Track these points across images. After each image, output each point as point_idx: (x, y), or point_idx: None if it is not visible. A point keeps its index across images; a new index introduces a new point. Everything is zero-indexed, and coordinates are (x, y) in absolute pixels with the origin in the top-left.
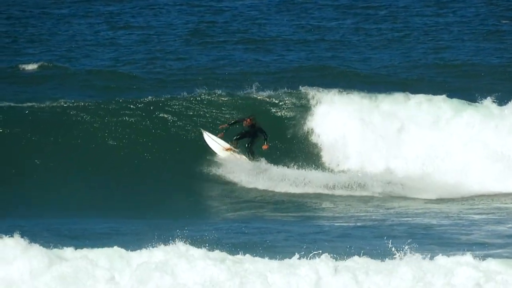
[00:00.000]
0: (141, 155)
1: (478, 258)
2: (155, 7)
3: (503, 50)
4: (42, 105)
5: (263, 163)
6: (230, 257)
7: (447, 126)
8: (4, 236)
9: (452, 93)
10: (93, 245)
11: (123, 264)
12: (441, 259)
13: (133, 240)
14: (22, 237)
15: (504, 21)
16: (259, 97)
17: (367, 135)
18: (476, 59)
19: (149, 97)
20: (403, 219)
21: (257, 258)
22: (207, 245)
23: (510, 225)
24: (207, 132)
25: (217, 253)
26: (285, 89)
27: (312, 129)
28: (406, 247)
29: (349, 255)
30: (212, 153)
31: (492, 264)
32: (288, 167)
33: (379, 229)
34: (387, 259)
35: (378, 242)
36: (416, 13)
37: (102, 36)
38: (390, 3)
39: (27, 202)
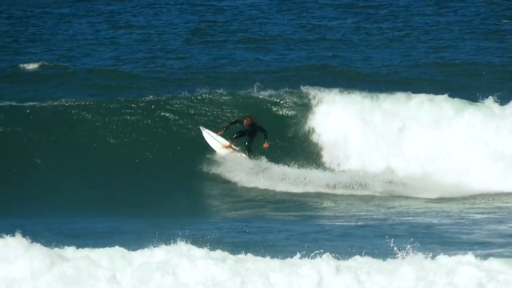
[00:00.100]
0: (142, 154)
1: (479, 257)
2: (156, 6)
3: (504, 49)
4: (43, 105)
5: (264, 162)
6: (231, 256)
7: (448, 126)
8: (5, 235)
9: (453, 92)
10: (94, 245)
11: (124, 264)
12: (443, 258)
13: (134, 239)
14: (23, 236)
15: (504, 21)
16: (260, 96)
17: (368, 135)
18: (477, 58)
19: (150, 96)
20: (404, 218)
21: (259, 258)
22: (208, 244)
23: (511, 225)
24: (206, 129)
25: (218, 253)
26: (286, 88)
27: (313, 128)
28: (408, 246)
29: (350, 254)
30: (212, 151)
31: (493, 263)
32: (289, 166)
33: (380, 229)
34: (389, 258)
35: (379, 241)
36: (416, 12)
37: (103, 35)
38: (390, 2)
39: (28, 201)
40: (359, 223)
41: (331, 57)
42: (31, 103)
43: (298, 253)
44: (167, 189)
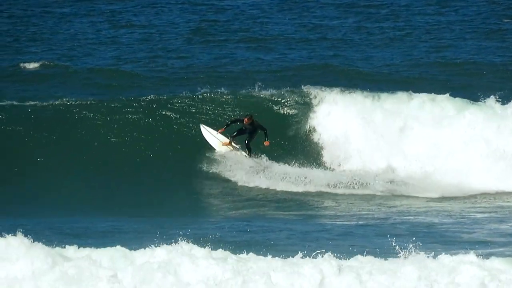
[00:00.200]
0: (143, 153)
1: (481, 257)
2: (157, 6)
3: (505, 48)
4: (44, 104)
5: (264, 161)
6: (233, 256)
7: (449, 125)
8: (6, 235)
9: (454, 92)
10: (95, 244)
11: (126, 263)
12: (444, 258)
13: (135, 239)
14: (24, 236)
15: (506, 20)
16: (261, 96)
17: (369, 134)
18: (478, 58)
19: (151, 96)
20: (405, 217)
21: (260, 257)
22: (209, 244)
23: None
24: (205, 126)
25: (220, 252)
26: (287, 87)
27: (314, 128)
28: (411, 245)
29: (352, 254)
30: (212, 150)
31: (495, 262)
32: (290, 165)
33: (381, 228)
34: (391, 258)
35: (380, 240)
36: (418, 11)
37: (104, 34)
38: (391, 2)
39: (28, 201)
40: (360, 222)
41: (332, 57)
42: (32, 103)
43: (299, 252)
44: (167, 188)
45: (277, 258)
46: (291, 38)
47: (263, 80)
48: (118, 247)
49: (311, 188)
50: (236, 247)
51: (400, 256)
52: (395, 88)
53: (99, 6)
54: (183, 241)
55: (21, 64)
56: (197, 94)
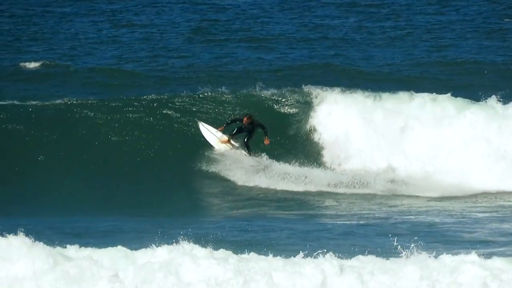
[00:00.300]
0: (144, 152)
1: (482, 256)
2: (158, 5)
3: (506, 48)
4: (45, 103)
5: (265, 160)
6: (234, 255)
7: (450, 125)
8: (7, 235)
9: (455, 91)
10: (96, 244)
11: (127, 263)
12: (446, 257)
13: (136, 238)
14: (26, 235)
15: (506, 20)
16: (262, 95)
17: (370, 134)
18: (479, 57)
19: (152, 95)
20: (406, 217)
21: (262, 256)
22: (210, 243)
23: None
24: (203, 123)
25: (221, 252)
26: (288, 87)
27: (315, 127)
28: (412, 245)
29: (353, 253)
30: (212, 149)
31: (497, 262)
32: (290, 164)
33: (382, 227)
34: (392, 258)
35: (381, 240)
36: (418, 11)
37: (104, 34)
38: (392, 1)
39: (29, 200)
40: (361, 222)
41: (333, 56)
42: (33, 102)
43: (301, 252)
44: (168, 187)
45: (278, 257)
46: (292, 38)
47: (264, 80)
48: (119, 247)
49: (312, 188)
50: (237, 247)
51: (402, 256)
52: (396, 87)
53: (99, 6)
54: (184, 241)
55: (22, 64)
56: (198, 93)
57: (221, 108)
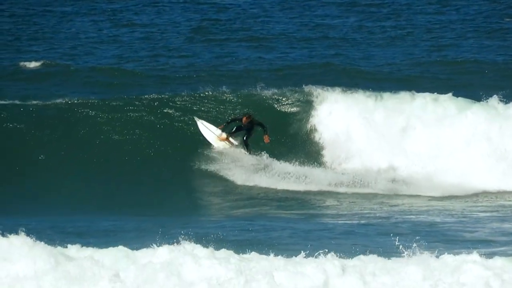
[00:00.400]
0: (145, 152)
1: (484, 256)
2: (158, 5)
3: (507, 47)
4: (46, 103)
5: (266, 160)
6: (236, 255)
7: (451, 124)
8: (9, 234)
9: (455, 90)
10: (97, 243)
11: (128, 263)
12: (448, 257)
13: (137, 238)
14: (27, 235)
15: (507, 19)
16: (262, 94)
17: (371, 133)
18: (479, 57)
19: (153, 94)
20: (407, 216)
21: (263, 256)
22: (212, 243)
23: None
24: (201, 120)
25: (223, 252)
26: (289, 87)
27: (316, 127)
28: (414, 245)
29: (355, 253)
30: (213, 148)
31: (498, 262)
32: (291, 164)
33: (383, 227)
34: (394, 257)
35: (382, 239)
36: (419, 10)
37: (105, 33)
38: (393, 1)
39: (30, 200)
40: (362, 221)
41: (334, 56)
42: (34, 102)
43: (302, 251)
44: (169, 187)
45: (279, 257)
46: (292, 37)
47: (264, 79)
48: (121, 247)
49: (313, 187)
50: (239, 246)
51: (404, 255)
52: (396, 87)
53: (100, 5)
54: (185, 240)
55: (23, 63)
56: (198, 92)
57: (221, 107)
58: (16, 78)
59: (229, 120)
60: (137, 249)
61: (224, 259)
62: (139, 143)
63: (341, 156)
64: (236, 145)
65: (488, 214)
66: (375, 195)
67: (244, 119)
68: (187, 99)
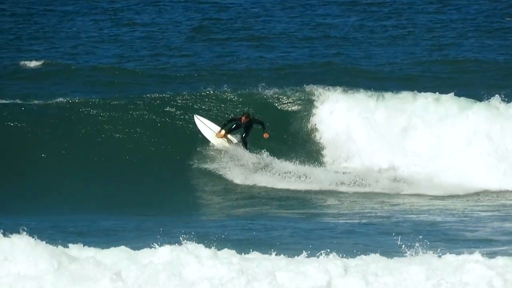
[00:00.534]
0: (146, 151)
1: (486, 255)
2: (159, 4)
3: (508, 47)
4: (47, 102)
5: (267, 159)
6: (237, 255)
7: (453, 124)
8: (10, 234)
9: (456, 89)
10: (99, 242)
11: (130, 263)
12: (450, 257)
13: (139, 237)
14: (29, 235)
15: (508, 18)
16: (263, 94)
17: (373, 133)
18: (480, 56)
19: (154, 94)
20: (408, 216)
21: (265, 256)
22: (213, 243)
23: None
24: (198, 116)
25: (225, 251)
26: (290, 86)
27: (317, 126)
28: (417, 244)
29: (357, 253)
30: (212, 145)
31: (500, 261)
32: (292, 163)
33: (384, 226)
34: (396, 257)
35: (383, 238)
36: (420, 10)
37: (106, 32)
38: (394, 0)
39: (31, 199)
40: (363, 221)
41: (335, 55)
42: (35, 101)
43: (304, 251)
44: (170, 186)
45: (281, 256)
46: (293, 36)
47: (265, 78)
48: (123, 247)
49: (314, 186)
50: (240, 246)
51: (407, 255)
52: (397, 86)
53: (101, 4)
54: (187, 240)
55: (24, 62)
56: (199, 92)
57: (222, 106)
58: (17, 77)
59: (226, 122)
60: (138, 248)
61: (226, 259)
62: (140, 143)
63: (342, 155)
64: (235, 143)
65: (489, 213)
66: (376, 194)
67: (243, 118)
68: (188, 98)
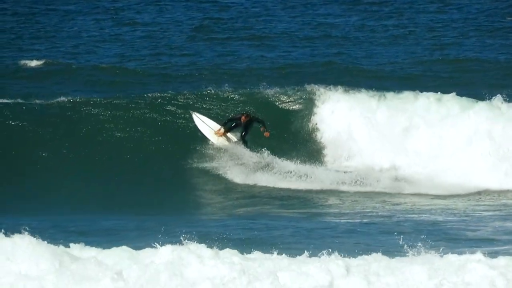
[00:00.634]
0: (147, 150)
1: (487, 255)
2: (161, 3)
3: (509, 46)
4: (48, 101)
5: (268, 158)
6: (239, 254)
7: (454, 123)
8: (12, 234)
9: (457, 89)
10: (100, 242)
11: (131, 263)
12: (452, 256)
13: (140, 236)
14: (30, 234)
15: (509, 18)
16: (265, 93)
17: (374, 132)
18: (481, 55)
19: (155, 93)
20: (409, 215)
21: (267, 255)
22: (215, 242)
23: None
24: (196, 114)
25: (226, 251)
26: (291, 85)
27: (318, 126)
28: (419, 244)
29: (359, 253)
30: (211, 144)
31: (502, 261)
32: (293, 163)
33: (385, 226)
34: (398, 257)
35: (384, 238)
36: (421, 9)
37: (107, 32)
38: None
39: (32, 198)
40: (365, 220)
41: (336, 54)
42: (36, 100)
43: (306, 251)
44: (171, 185)
45: (283, 255)
46: (294, 36)
47: (266, 78)
48: (124, 247)
49: (315, 186)
50: (242, 245)
51: (408, 255)
52: (398, 85)
53: (102, 4)
54: (188, 240)
55: (25, 62)
56: (200, 91)
57: (223, 105)
58: (18, 77)
59: (226, 122)
60: (140, 248)
61: (228, 259)
62: (141, 142)
63: (344, 154)
64: (235, 141)
65: (490, 213)
66: (377, 194)
67: (242, 118)
68: (189, 97)
